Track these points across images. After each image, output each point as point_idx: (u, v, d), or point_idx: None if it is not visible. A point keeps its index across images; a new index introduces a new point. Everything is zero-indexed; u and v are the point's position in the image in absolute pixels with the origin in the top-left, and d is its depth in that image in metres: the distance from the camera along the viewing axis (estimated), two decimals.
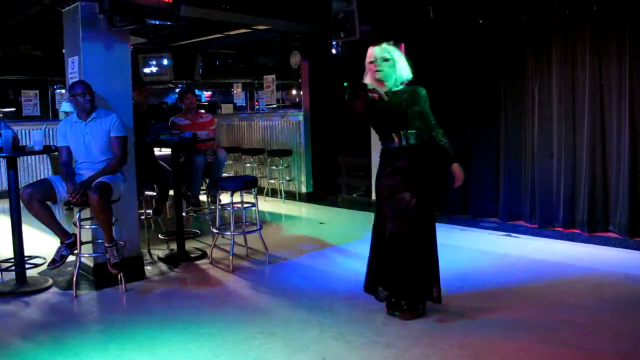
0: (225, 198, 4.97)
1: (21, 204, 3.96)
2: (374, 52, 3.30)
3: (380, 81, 3.30)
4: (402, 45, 5.76)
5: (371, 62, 3.30)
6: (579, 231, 5.23)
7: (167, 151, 5.57)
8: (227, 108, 10.50)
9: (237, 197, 4.85)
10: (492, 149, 5.86)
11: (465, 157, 5.80)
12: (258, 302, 3.82)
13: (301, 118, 8.12)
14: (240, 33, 9.54)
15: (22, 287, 4.05)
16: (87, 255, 4.21)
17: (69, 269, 4.30)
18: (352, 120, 3.22)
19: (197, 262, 4.80)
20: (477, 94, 5.95)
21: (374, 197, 3.58)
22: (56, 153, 4.26)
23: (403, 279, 3.29)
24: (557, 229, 5.40)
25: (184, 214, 5.42)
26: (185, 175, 5.45)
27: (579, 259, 4.60)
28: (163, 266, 4.68)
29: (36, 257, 4.53)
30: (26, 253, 4.23)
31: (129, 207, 4.43)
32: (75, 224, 4.03)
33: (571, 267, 4.39)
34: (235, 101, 11.85)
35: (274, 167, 8.32)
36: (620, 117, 4.93)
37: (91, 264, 4.29)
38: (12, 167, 4.11)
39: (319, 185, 8.24)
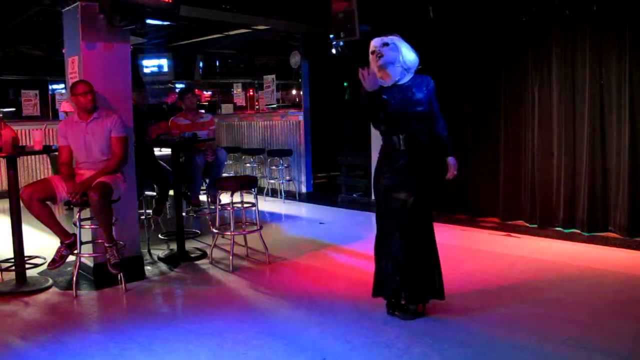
0: (225, 198, 4.97)
1: (21, 204, 3.96)
2: (374, 41, 3.25)
3: (384, 69, 3.22)
4: None
5: (372, 53, 3.25)
6: (579, 231, 5.23)
7: (167, 151, 5.56)
8: (227, 108, 10.50)
9: (237, 197, 4.84)
10: (492, 149, 5.86)
11: (465, 157, 5.80)
12: (258, 302, 3.82)
13: (301, 118, 8.12)
14: (240, 33, 9.56)
15: (22, 287, 4.05)
16: (87, 255, 4.20)
17: (69, 269, 4.30)
18: (363, 107, 3.18)
19: (197, 262, 4.80)
20: (477, 94, 5.95)
21: (373, 197, 3.57)
22: (56, 153, 4.26)
23: (402, 278, 3.29)
24: (557, 229, 5.40)
25: (184, 214, 5.41)
26: (185, 175, 5.45)
27: (579, 259, 4.61)
28: (163, 266, 4.68)
29: (36, 257, 4.53)
30: (26, 253, 4.23)
31: (129, 207, 4.43)
32: (75, 224, 4.03)
33: (571, 267, 4.39)
34: (235, 101, 11.85)
35: (274, 167, 8.33)
36: (620, 117, 4.93)
37: (91, 264, 4.29)
38: (12, 167, 4.11)
39: (318, 185, 8.24)
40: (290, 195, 8.16)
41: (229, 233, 4.75)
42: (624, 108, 4.89)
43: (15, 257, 4.14)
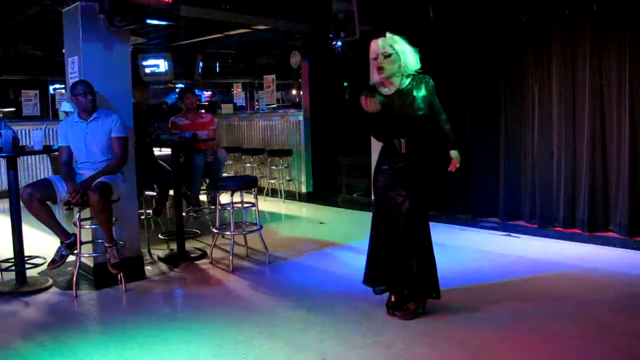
0: (225, 198, 4.97)
1: (21, 204, 3.96)
2: (375, 47, 3.23)
3: (387, 79, 3.27)
4: None
5: (374, 59, 3.25)
6: (579, 231, 5.23)
7: (167, 151, 5.56)
8: (227, 108, 10.51)
9: (237, 197, 4.85)
10: (492, 149, 5.85)
11: (465, 157, 5.77)
12: (258, 302, 3.82)
13: (301, 118, 8.12)
14: (240, 33, 9.56)
15: (22, 287, 4.05)
16: (87, 255, 4.21)
17: (69, 269, 4.30)
18: (357, 122, 3.23)
19: (197, 262, 4.80)
20: (477, 94, 5.94)
21: (373, 197, 3.58)
22: (56, 153, 4.26)
23: (400, 277, 3.30)
24: (557, 228, 5.39)
25: (184, 214, 5.42)
26: (185, 175, 5.45)
27: (579, 258, 4.61)
28: (163, 266, 4.68)
29: (36, 257, 4.53)
30: (26, 253, 4.23)
31: (129, 207, 4.44)
32: (75, 224, 4.03)
33: (571, 266, 4.39)
34: (235, 101, 11.86)
35: (274, 167, 8.33)
36: (620, 117, 4.93)
37: (91, 264, 4.29)
38: (12, 167, 4.11)
39: (319, 185, 8.24)
40: (290, 195, 8.16)
41: (229, 233, 4.75)
42: (624, 108, 4.89)
43: (15, 257, 4.14)
